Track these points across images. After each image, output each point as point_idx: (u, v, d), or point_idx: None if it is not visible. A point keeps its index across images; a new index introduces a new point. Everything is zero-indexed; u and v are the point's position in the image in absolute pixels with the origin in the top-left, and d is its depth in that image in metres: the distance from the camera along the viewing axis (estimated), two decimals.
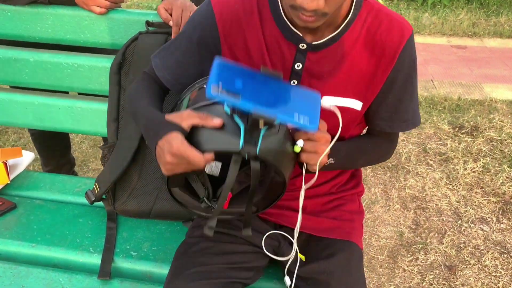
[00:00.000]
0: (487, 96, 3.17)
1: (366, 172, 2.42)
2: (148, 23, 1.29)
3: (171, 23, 1.25)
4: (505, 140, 2.66)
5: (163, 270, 1.15)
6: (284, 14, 0.92)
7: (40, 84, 1.42)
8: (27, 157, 1.52)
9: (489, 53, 3.99)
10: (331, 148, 0.88)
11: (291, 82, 0.97)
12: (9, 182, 1.40)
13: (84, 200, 1.37)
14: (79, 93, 1.56)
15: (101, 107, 1.40)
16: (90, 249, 1.20)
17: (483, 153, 2.55)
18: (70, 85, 1.41)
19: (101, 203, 1.35)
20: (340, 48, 0.93)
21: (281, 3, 0.92)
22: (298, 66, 0.94)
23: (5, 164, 1.39)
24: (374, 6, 0.93)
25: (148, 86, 1.04)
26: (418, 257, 1.92)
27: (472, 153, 2.55)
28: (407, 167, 2.44)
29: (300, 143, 0.86)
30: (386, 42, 0.92)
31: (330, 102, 0.95)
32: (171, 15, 1.26)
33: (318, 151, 0.86)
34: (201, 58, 1.00)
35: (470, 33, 4.37)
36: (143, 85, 1.05)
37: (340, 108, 0.92)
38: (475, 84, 3.38)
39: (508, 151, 2.57)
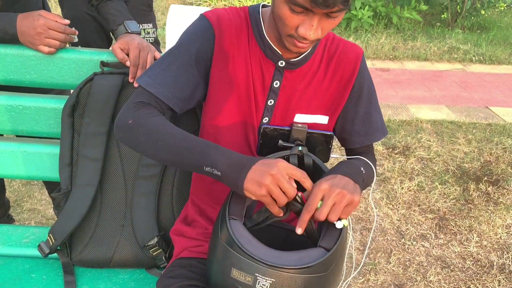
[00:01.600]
0: (413, 117, 3.40)
1: None
2: (103, 63, 1.24)
3: (128, 63, 1.21)
4: (434, 159, 2.86)
5: None
6: (265, 34, 1.01)
7: None
8: None
9: (410, 75, 4.30)
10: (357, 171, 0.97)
11: (269, 100, 1.04)
12: None
13: (35, 252, 1.27)
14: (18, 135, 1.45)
15: (50, 150, 1.31)
16: None
17: (417, 172, 2.72)
18: (14, 128, 1.31)
19: (54, 255, 1.25)
20: (309, 67, 1.04)
21: (263, 23, 1.01)
22: (276, 84, 1.03)
23: None
24: (329, 33, 1.07)
25: (154, 113, 0.96)
26: (369, 278, 1.99)
27: (407, 173, 2.71)
28: None
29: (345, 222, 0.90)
30: (344, 62, 1.05)
31: (301, 119, 1.06)
32: (127, 55, 1.22)
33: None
34: (198, 71, 1.00)
35: (391, 56, 4.67)
36: (149, 112, 0.96)
37: (310, 124, 1.06)
38: (401, 105, 3.61)
39: (438, 169, 2.76)
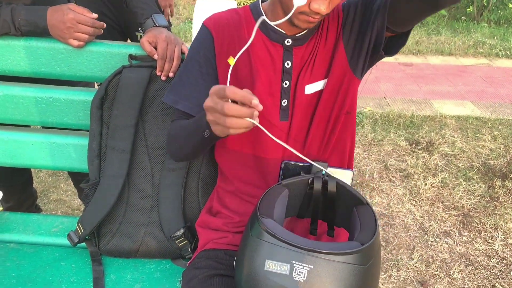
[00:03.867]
0: (437, 112, 3.35)
1: None
2: (131, 56, 1.25)
3: (155, 56, 1.23)
4: (458, 155, 2.82)
5: None
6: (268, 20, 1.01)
7: (10, 120, 1.34)
8: None
9: (434, 70, 4.23)
10: None
11: (284, 82, 1.05)
12: None
13: (64, 241, 1.30)
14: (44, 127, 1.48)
15: (78, 142, 1.34)
16: None
17: (440, 168, 2.68)
18: (44, 119, 1.34)
19: (82, 244, 1.28)
20: (315, 39, 1.04)
21: (264, 13, 1.03)
22: (288, 64, 1.03)
23: None
24: None
25: (181, 123, 1.06)
26: (392, 274, 1.97)
27: (430, 169, 2.67)
28: (372, 185, 2.52)
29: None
30: (331, 18, 1.04)
31: (311, 89, 1.05)
32: (155, 48, 1.24)
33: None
34: (210, 76, 1.06)
35: (414, 51, 4.61)
36: (178, 123, 1.07)
37: (312, 95, 1.05)
38: (425, 101, 3.56)
39: (462, 165, 2.72)
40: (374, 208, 2.35)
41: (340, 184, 1.01)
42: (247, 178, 1.11)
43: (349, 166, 1.21)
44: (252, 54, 1.05)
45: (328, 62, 1.06)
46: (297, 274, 0.78)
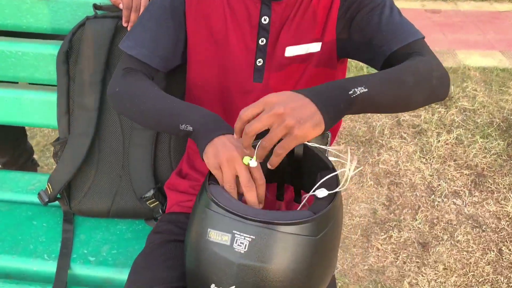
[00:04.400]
0: (460, 63, 3.13)
1: None
2: (95, 6, 1.16)
3: (121, 5, 1.13)
4: (478, 110, 2.64)
5: (124, 276, 1.09)
6: None
7: None
8: None
9: (463, 17, 3.93)
10: (356, 79, 0.78)
11: (260, 39, 0.96)
12: None
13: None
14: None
15: (48, 98, 1.28)
16: (45, 255, 1.12)
17: (456, 124, 2.53)
18: (15, 74, 1.28)
19: (57, 203, 1.26)
20: None
21: None
22: (265, 20, 0.95)
23: None
24: None
25: (139, 78, 0.95)
26: (392, 235, 1.90)
27: (446, 124, 2.52)
28: (381, 141, 2.41)
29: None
30: None
31: (292, 51, 0.96)
32: None
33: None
34: (175, 25, 0.98)
35: None
36: (134, 79, 0.94)
37: (301, 56, 0.96)
38: (448, 51, 3.33)
39: (481, 121, 2.55)
40: (380, 166, 2.25)
41: (307, 147, 0.93)
42: None
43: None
44: (227, 5, 0.96)
45: (320, 25, 0.96)
46: (238, 245, 0.72)
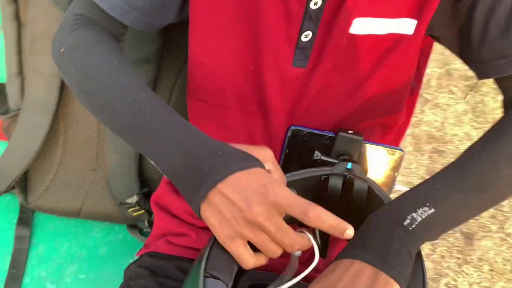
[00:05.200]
0: None
1: None
2: None
3: None
4: None
5: None
6: None
7: None
8: None
9: None
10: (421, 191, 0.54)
11: (312, 2, 0.59)
12: None
13: None
14: None
15: None
16: None
17: None
18: None
19: (13, 193, 0.94)
20: None
21: None
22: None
23: None
24: None
25: (98, 39, 0.59)
26: None
27: None
28: (426, 95, 2.01)
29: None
30: None
31: (365, 27, 0.60)
32: None
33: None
34: None
35: None
36: (90, 37, 0.59)
37: (380, 38, 0.61)
38: None
39: None
40: (423, 128, 1.88)
41: (372, 190, 0.60)
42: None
43: (396, 142, 0.77)
44: None
45: None
46: None
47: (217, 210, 0.48)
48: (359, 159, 0.72)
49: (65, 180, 0.89)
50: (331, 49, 0.62)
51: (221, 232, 0.48)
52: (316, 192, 0.62)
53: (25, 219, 0.90)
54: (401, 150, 0.72)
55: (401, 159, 0.72)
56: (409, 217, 0.50)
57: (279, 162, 0.71)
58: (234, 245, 0.48)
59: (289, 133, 0.69)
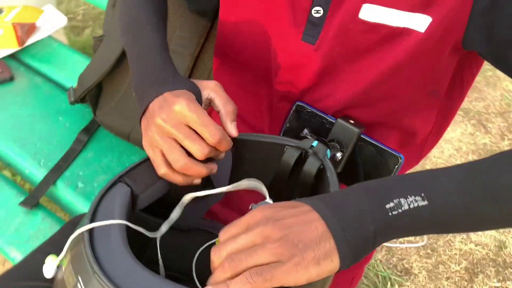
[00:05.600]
0: None
1: None
2: None
3: None
4: None
5: None
6: None
7: None
8: (55, 20, 1.32)
9: None
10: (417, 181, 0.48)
11: (315, 10, 0.62)
12: (20, 47, 1.24)
13: None
14: None
15: None
16: (42, 161, 1.00)
17: None
18: None
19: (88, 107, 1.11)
20: None
21: None
22: None
23: (16, 26, 1.21)
24: None
25: None
26: None
27: None
28: None
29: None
30: None
31: (372, 14, 0.58)
32: None
33: None
34: None
35: None
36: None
37: (387, 29, 0.58)
38: None
39: None
40: None
41: (324, 170, 0.59)
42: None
43: (416, 156, 0.72)
44: None
45: None
46: None
47: (145, 121, 0.57)
48: (357, 153, 0.69)
49: (125, 106, 1.03)
50: (339, 30, 0.61)
51: (144, 140, 0.57)
52: (275, 162, 0.62)
53: (89, 129, 1.07)
54: (399, 155, 0.67)
55: (397, 165, 0.67)
56: (395, 200, 0.46)
57: (278, 135, 0.73)
58: (152, 151, 0.55)
59: (293, 107, 0.70)
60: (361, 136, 0.67)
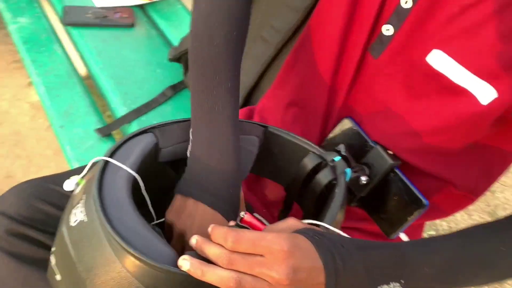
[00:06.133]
0: None
1: None
2: None
3: None
4: None
5: None
6: None
7: None
8: None
9: None
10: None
11: (385, 28, 0.62)
12: (149, 1, 1.39)
13: None
14: None
15: None
16: (128, 101, 1.13)
17: None
18: None
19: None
20: None
21: None
22: (407, 2, 0.59)
23: None
24: None
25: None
26: None
27: None
28: None
29: None
30: None
31: (440, 62, 0.56)
32: None
33: None
34: None
35: None
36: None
37: (455, 86, 0.56)
38: None
39: None
40: None
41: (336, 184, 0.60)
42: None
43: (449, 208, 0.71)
44: None
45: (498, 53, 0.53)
46: None
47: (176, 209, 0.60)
48: (385, 184, 0.69)
49: None
50: (400, 58, 0.61)
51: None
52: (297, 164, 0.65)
53: (176, 87, 1.17)
54: (425, 202, 0.65)
55: (419, 209, 0.66)
56: (385, 286, 0.50)
57: (318, 143, 0.73)
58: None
59: (341, 121, 0.71)
60: (394, 169, 0.67)
